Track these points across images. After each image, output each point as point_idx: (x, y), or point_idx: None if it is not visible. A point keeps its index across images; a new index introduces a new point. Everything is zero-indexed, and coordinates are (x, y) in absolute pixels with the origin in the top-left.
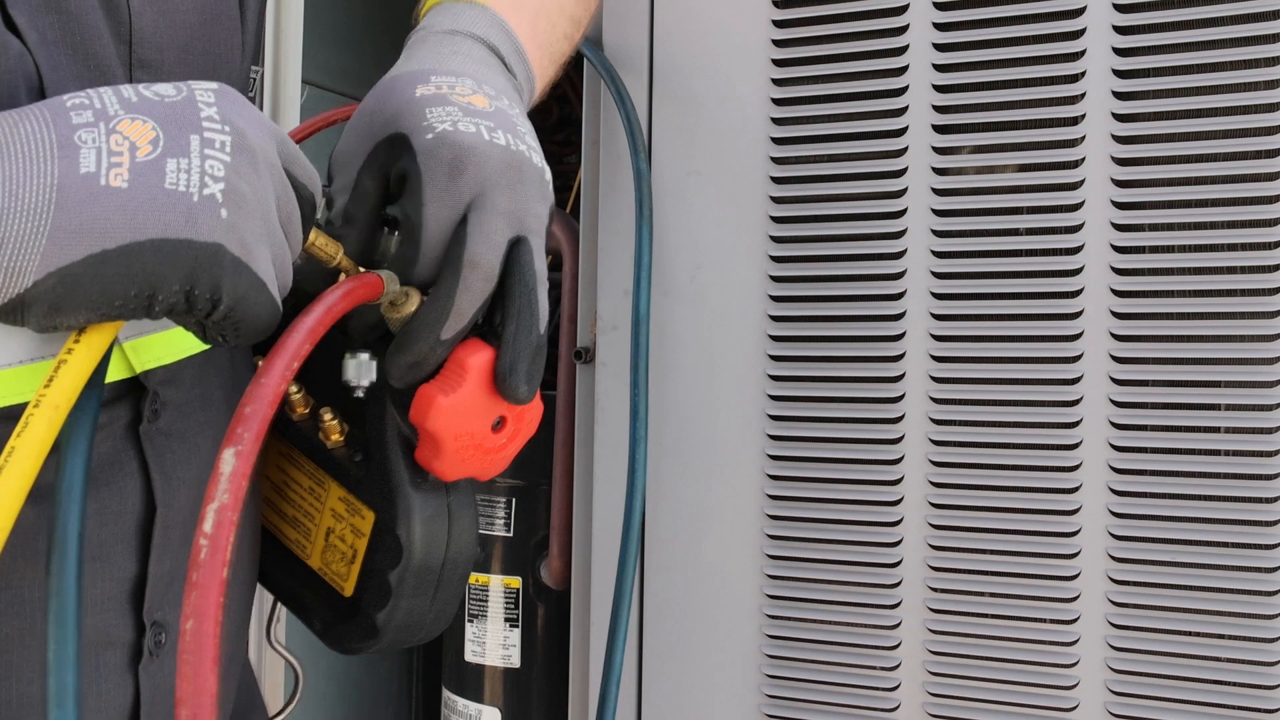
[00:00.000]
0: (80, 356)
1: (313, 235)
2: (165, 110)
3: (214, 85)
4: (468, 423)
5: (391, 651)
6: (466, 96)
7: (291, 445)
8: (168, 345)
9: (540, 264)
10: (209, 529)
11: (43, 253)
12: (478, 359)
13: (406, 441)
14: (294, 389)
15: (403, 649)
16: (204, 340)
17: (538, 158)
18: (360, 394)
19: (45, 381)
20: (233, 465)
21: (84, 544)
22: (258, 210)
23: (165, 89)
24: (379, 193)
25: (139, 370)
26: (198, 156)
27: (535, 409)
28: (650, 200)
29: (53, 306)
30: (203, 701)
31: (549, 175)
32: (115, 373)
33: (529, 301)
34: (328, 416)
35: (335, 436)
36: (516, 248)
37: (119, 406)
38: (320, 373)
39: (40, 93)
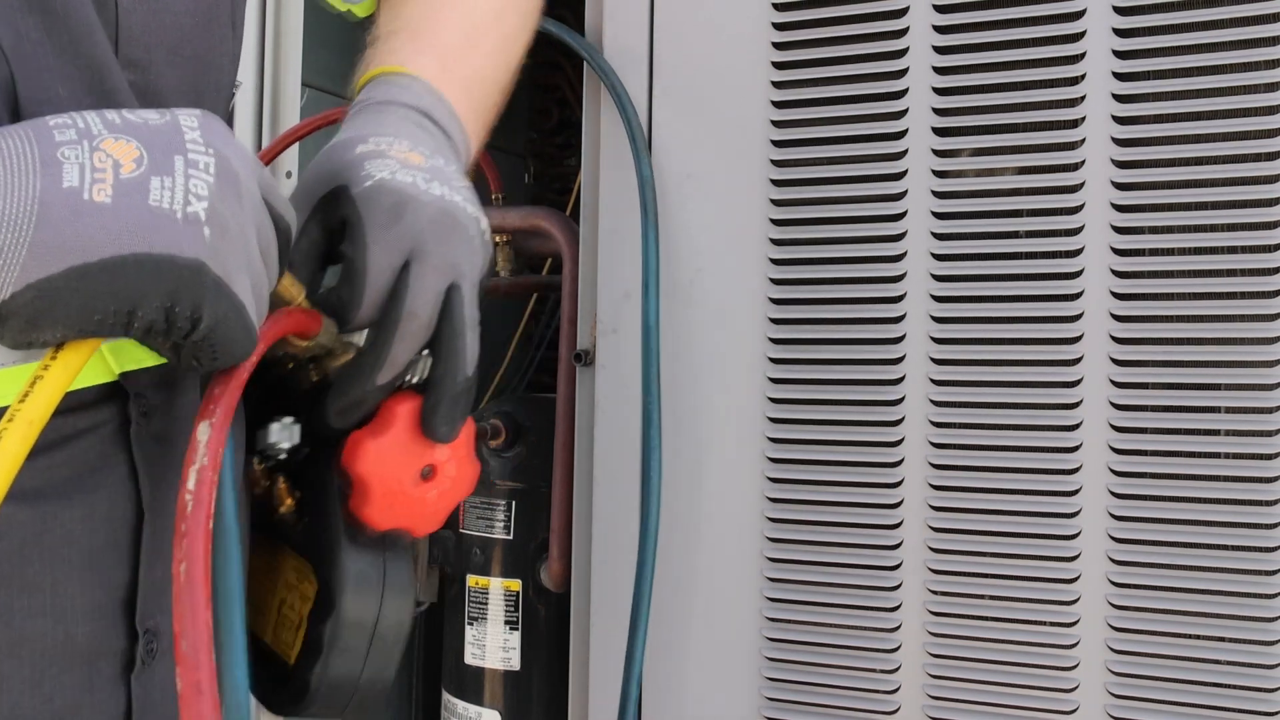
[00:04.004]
0: (56, 373)
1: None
2: (149, 132)
3: (197, 112)
4: (395, 468)
5: (326, 716)
6: (403, 154)
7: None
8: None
9: (471, 310)
10: (192, 486)
11: (22, 265)
12: (406, 406)
13: (342, 497)
14: (256, 461)
15: (337, 714)
16: (177, 364)
17: (472, 208)
18: (283, 455)
19: (20, 396)
20: (208, 434)
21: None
22: (239, 236)
23: (149, 114)
24: (323, 241)
25: (118, 371)
26: (182, 176)
27: (469, 470)
28: (655, 205)
29: (30, 320)
30: (199, 633)
31: (485, 224)
32: (95, 376)
33: (458, 347)
34: (280, 482)
35: (287, 501)
36: (449, 295)
37: (105, 409)
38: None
39: (13, 95)
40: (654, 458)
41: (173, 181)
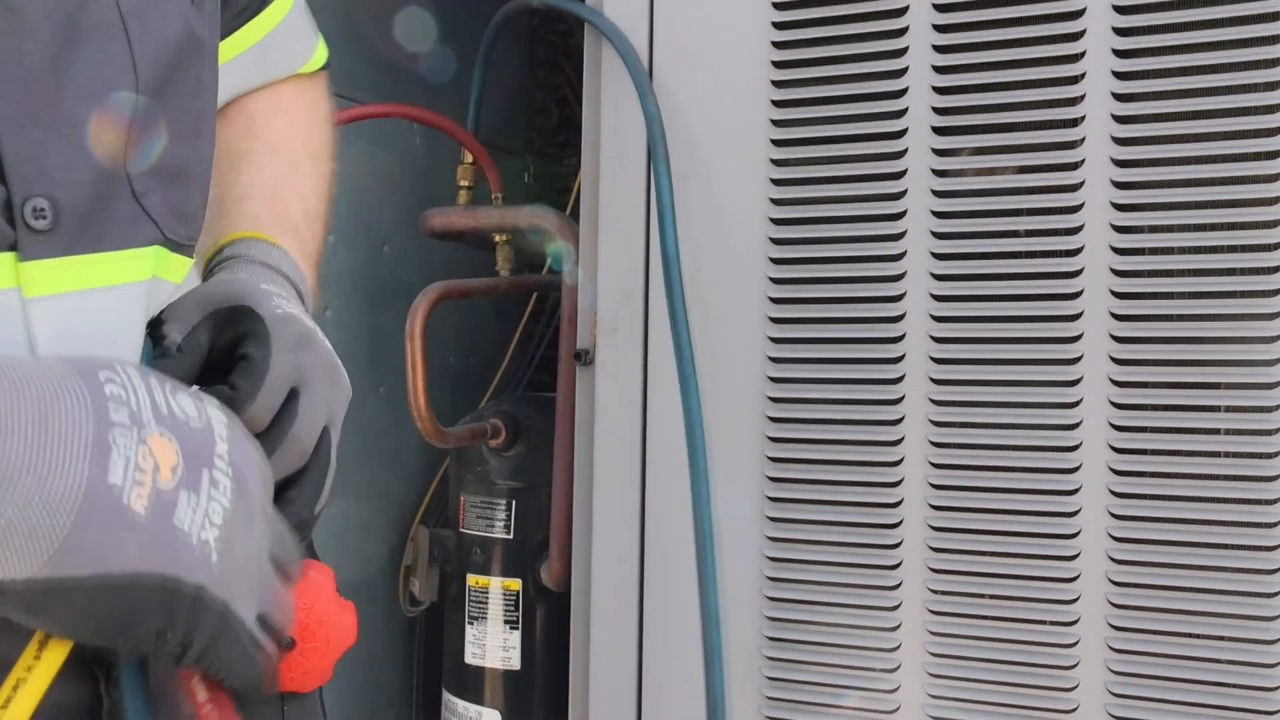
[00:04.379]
0: (39, 676)
1: None
2: (189, 435)
3: (224, 418)
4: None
5: None
6: (296, 308)
7: None
8: None
9: (334, 455)
10: None
11: (52, 555)
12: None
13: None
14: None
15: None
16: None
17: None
18: None
19: (3, 701)
20: None
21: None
22: (244, 560)
23: (188, 405)
24: (209, 344)
25: None
26: (205, 496)
27: (341, 623)
28: (665, 143)
29: (31, 608)
30: None
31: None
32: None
33: (321, 479)
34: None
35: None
36: (324, 433)
37: None
38: None
39: None
40: (696, 437)
41: (196, 500)
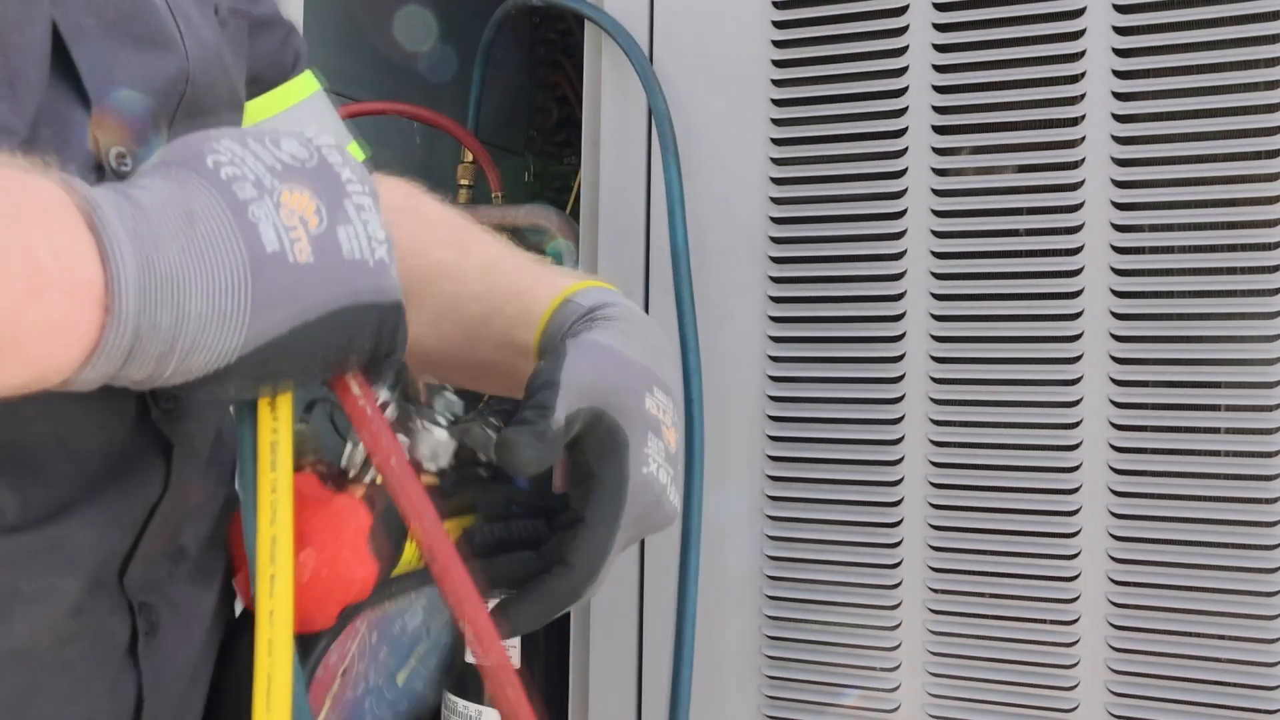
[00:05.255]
0: (285, 429)
1: None
2: (312, 177)
3: (331, 140)
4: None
5: None
6: (669, 432)
7: None
8: None
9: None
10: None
11: (247, 327)
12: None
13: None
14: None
15: None
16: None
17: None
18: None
19: (270, 465)
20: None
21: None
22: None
23: (294, 148)
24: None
25: None
26: (359, 222)
27: (359, 575)
28: (674, 137)
29: (257, 376)
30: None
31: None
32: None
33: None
34: None
35: None
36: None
37: (127, 394)
38: None
39: None
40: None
41: (355, 230)
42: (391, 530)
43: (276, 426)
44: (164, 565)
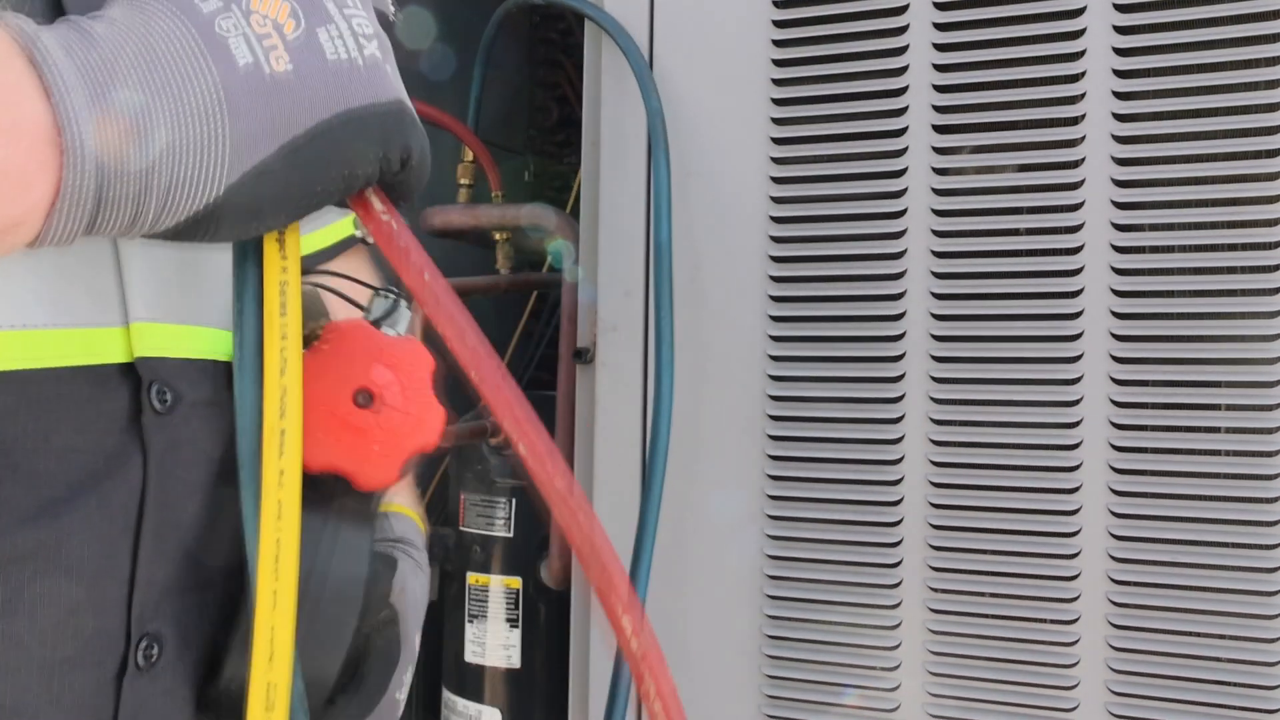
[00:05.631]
0: (294, 271)
1: None
2: None
3: None
4: (322, 386)
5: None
6: None
7: None
8: (181, 339)
9: None
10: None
11: (228, 158)
12: (344, 320)
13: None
14: None
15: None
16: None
17: None
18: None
19: (280, 309)
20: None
21: None
22: (393, 56)
23: None
24: None
25: (138, 355)
26: (341, 20)
27: (419, 403)
28: (665, 135)
29: (251, 210)
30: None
31: None
32: (111, 355)
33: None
34: None
35: None
36: None
37: (120, 394)
38: None
39: None
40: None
41: (337, 29)
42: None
43: (286, 265)
44: (188, 597)
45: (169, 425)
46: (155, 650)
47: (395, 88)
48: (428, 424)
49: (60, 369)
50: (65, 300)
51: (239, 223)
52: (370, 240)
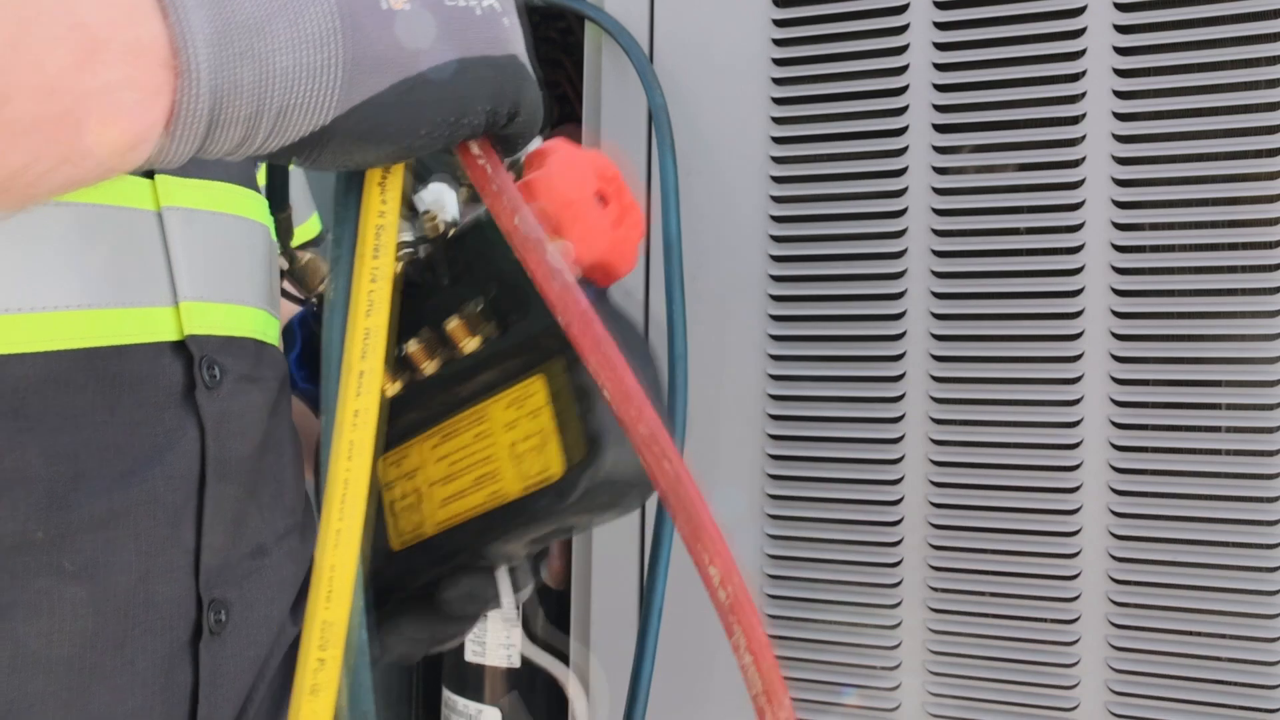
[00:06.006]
0: (392, 215)
1: None
2: None
3: None
4: (574, 187)
5: (622, 506)
6: None
7: (428, 431)
8: (224, 317)
9: None
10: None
11: (341, 86)
12: (553, 141)
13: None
14: (412, 345)
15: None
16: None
17: None
18: (451, 230)
19: (373, 252)
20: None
21: None
22: (515, 10)
23: None
24: None
25: (188, 333)
26: None
27: (634, 201)
28: (670, 130)
29: (356, 141)
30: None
31: None
32: (164, 332)
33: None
34: (451, 325)
35: (466, 338)
36: None
37: (171, 369)
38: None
39: None
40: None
41: None
42: None
43: (384, 210)
44: (246, 564)
45: (218, 399)
46: (224, 615)
47: (511, 41)
48: (641, 217)
49: (123, 346)
50: (125, 281)
51: (341, 152)
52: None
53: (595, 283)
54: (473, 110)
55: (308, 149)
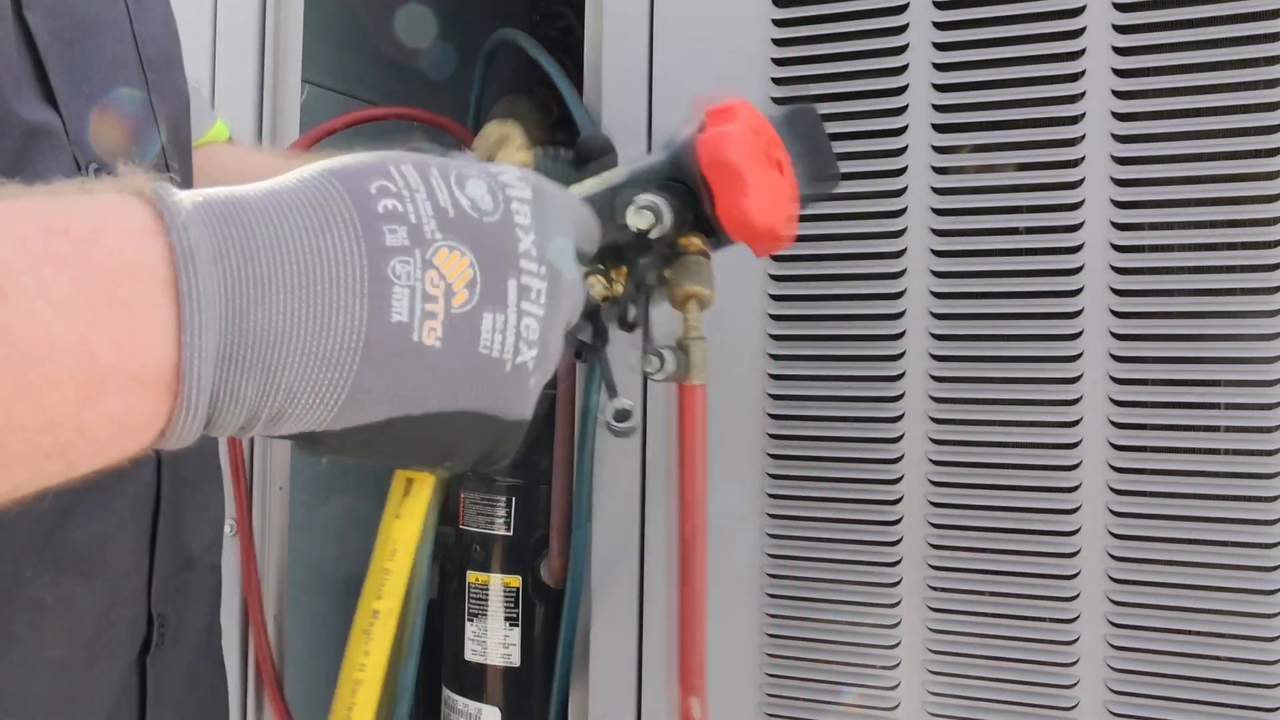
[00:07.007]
0: (412, 528)
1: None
2: (484, 237)
3: (526, 189)
4: (755, 150)
5: None
6: None
7: None
8: None
9: None
10: None
11: (341, 407)
12: (733, 103)
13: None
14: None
15: None
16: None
17: None
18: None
19: (389, 553)
20: None
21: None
22: (554, 360)
23: (480, 194)
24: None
25: None
26: (514, 313)
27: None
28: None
29: (341, 450)
30: None
31: None
32: None
33: None
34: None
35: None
36: None
37: None
38: None
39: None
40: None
41: (505, 321)
42: None
43: (401, 514)
44: (179, 577)
45: None
46: (165, 628)
47: (528, 404)
48: (795, 188)
49: None
50: None
51: (329, 453)
52: None
53: (754, 251)
54: (461, 459)
55: (302, 443)
